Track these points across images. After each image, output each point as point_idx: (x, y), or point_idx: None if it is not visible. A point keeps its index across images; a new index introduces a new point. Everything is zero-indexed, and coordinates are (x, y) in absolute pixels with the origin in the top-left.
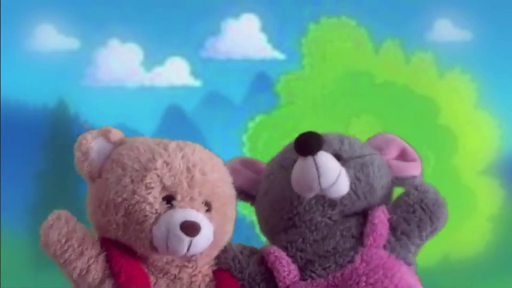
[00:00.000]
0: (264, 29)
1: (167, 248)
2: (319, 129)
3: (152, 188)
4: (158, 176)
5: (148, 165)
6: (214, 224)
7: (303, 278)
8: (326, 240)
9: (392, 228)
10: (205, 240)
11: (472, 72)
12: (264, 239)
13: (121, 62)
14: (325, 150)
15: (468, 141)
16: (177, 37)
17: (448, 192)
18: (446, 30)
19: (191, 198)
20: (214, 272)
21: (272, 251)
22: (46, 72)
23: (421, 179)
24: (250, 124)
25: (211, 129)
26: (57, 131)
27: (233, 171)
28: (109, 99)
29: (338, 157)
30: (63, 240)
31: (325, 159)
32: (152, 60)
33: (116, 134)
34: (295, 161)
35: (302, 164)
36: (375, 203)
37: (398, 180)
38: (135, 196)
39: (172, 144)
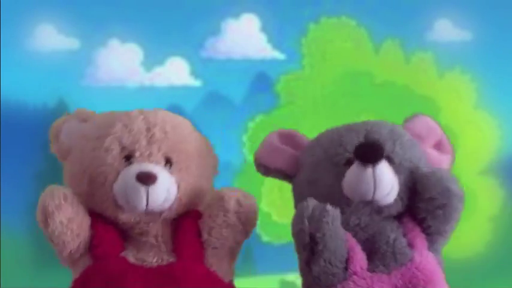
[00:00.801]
0: (264, 29)
1: (128, 203)
2: (319, 129)
3: (112, 149)
4: (117, 138)
5: (108, 130)
6: (178, 177)
7: (369, 269)
8: (376, 236)
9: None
10: (163, 189)
11: (472, 72)
12: (264, 239)
13: (121, 62)
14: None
15: (468, 141)
16: (177, 37)
17: None
18: (446, 30)
19: (149, 154)
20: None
21: (348, 234)
22: (46, 72)
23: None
24: (250, 124)
25: (211, 129)
26: None
27: (270, 149)
28: (109, 99)
29: (390, 160)
30: (65, 223)
31: (384, 171)
32: (152, 60)
33: (84, 112)
34: (348, 160)
35: (360, 173)
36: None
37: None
38: (96, 161)
39: (135, 111)
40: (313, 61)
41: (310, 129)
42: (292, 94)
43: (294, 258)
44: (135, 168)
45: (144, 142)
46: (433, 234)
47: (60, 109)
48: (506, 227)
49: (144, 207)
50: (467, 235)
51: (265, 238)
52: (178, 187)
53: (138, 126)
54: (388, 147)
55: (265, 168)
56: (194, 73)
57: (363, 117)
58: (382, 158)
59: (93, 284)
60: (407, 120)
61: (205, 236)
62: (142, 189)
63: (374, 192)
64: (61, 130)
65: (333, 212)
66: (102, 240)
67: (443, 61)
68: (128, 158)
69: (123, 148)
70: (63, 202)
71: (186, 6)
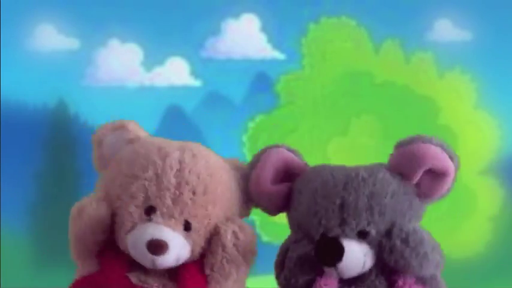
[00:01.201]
0: (264, 29)
1: (136, 258)
2: (319, 129)
3: (135, 197)
4: (145, 186)
5: (139, 174)
6: (193, 240)
7: None
8: None
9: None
10: (172, 258)
11: (472, 72)
12: (264, 239)
13: (121, 62)
14: (352, 229)
15: (468, 141)
16: (177, 37)
17: None
18: (446, 30)
19: (170, 216)
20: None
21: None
22: (46, 72)
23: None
24: (250, 124)
25: (211, 129)
26: (57, 131)
27: (260, 191)
28: (109, 99)
29: (364, 235)
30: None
31: (348, 264)
32: (152, 60)
33: (133, 131)
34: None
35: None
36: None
37: (432, 200)
38: (119, 201)
39: (174, 155)
40: (313, 61)
41: (310, 129)
42: (292, 94)
43: None
44: (150, 231)
45: (168, 201)
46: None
47: (60, 109)
48: (506, 227)
49: (150, 266)
50: (467, 235)
51: (265, 238)
52: (192, 246)
53: (168, 180)
54: (363, 221)
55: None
56: (194, 73)
57: (363, 117)
58: (343, 255)
59: None
60: (395, 152)
61: (207, 271)
62: (149, 257)
63: (342, 276)
64: (105, 139)
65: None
66: (111, 256)
67: (443, 61)
68: (149, 212)
69: (146, 199)
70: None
71: (186, 6)
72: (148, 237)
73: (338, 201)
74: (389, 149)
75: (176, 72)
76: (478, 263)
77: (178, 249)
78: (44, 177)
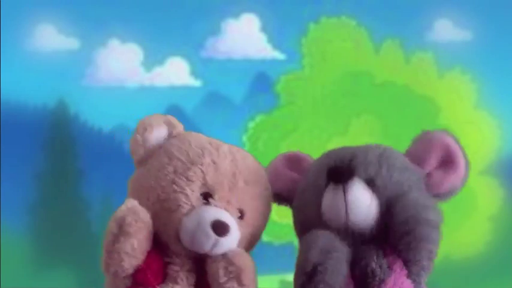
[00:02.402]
0: (264, 29)
1: (192, 242)
2: (319, 129)
3: (193, 181)
4: (202, 172)
5: (196, 159)
6: (243, 231)
7: None
8: (357, 263)
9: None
10: (230, 242)
11: (472, 72)
12: (264, 239)
13: (121, 62)
14: (359, 175)
15: (468, 141)
16: (177, 37)
17: None
18: (446, 30)
19: (228, 202)
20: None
21: None
22: (46, 72)
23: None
24: (250, 124)
25: (211, 129)
26: (57, 131)
27: (273, 174)
28: (109, 99)
29: (372, 183)
30: (134, 248)
31: (356, 193)
32: (152, 60)
33: (177, 128)
34: (326, 185)
35: (332, 195)
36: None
37: (439, 196)
38: (174, 186)
39: (224, 147)
40: (313, 61)
41: (310, 129)
42: (292, 94)
43: (294, 258)
44: (213, 213)
45: (226, 187)
46: (406, 263)
47: (60, 109)
48: (506, 227)
49: (209, 250)
50: (467, 235)
51: (265, 238)
52: (241, 237)
53: (225, 167)
54: (370, 170)
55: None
56: (194, 73)
57: (363, 117)
58: (353, 178)
59: None
60: (411, 143)
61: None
62: (213, 237)
63: (347, 217)
64: (152, 137)
65: (341, 248)
66: (149, 269)
67: (443, 61)
68: (206, 197)
69: (204, 184)
70: (142, 225)
71: (186, 6)
72: (212, 218)
73: (348, 157)
74: None
75: (176, 72)
76: (478, 263)
77: (236, 234)
78: (44, 177)
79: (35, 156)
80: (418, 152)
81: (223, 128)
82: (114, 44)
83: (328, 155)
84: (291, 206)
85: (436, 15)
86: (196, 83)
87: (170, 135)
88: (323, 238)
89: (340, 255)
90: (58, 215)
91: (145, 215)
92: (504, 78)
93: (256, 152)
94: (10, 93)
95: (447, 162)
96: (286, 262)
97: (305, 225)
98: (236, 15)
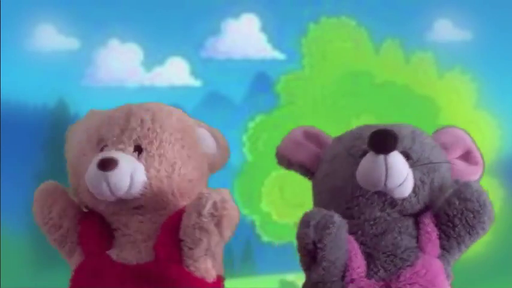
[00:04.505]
0: (264, 29)
1: (94, 192)
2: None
3: (91, 141)
4: (97, 129)
5: (93, 122)
6: (147, 164)
7: (367, 276)
8: (385, 235)
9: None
10: (124, 174)
11: (472, 72)
12: (264, 239)
13: (121, 62)
14: (396, 148)
15: None
16: (177, 37)
17: None
18: (446, 30)
19: (119, 141)
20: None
21: (351, 240)
22: (46, 72)
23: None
24: (250, 124)
25: None
26: (57, 131)
27: (294, 144)
28: (109, 99)
29: (407, 156)
30: (46, 213)
31: (396, 160)
32: (152, 60)
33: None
34: (364, 152)
35: (372, 161)
36: (431, 207)
37: (455, 183)
38: (79, 152)
39: (130, 105)
40: (313, 61)
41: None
42: (292, 94)
43: (294, 258)
44: (99, 157)
45: (117, 131)
46: (450, 238)
47: (60, 109)
48: (506, 227)
49: (109, 193)
50: None
51: (265, 238)
52: (148, 174)
53: (117, 116)
54: (406, 143)
55: (288, 162)
56: (194, 73)
57: (363, 117)
58: (395, 148)
59: (79, 280)
60: (435, 132)
61: (181, 234)
62: (101, 175)
63: (386, 180)
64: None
65: (339, 223)
66: (87, 237)
67: (443, 61)
68: (103, 148)
69: (100, 139)
70: (39, 194)
71: (186, 6)
72: (98, 158)
73: (387, 128)
74: None
75: (176, 72)
76: (478, 263)
77: (130, 166)
78: (44, 177)
79: (35, 156)
80: (443, 140)
81: (223, 128)
82: (114, 44)
83: (360, 128)
84: (312, 178)
85: (436, 15)
86: (196, 83)
87: None
88: (319, 215)
89: (338, 229)
90: None
91: (50, 188)
92: (504, 78)
93: (256, 152)
94: (10, 93)
95: (469, 155)
96: (286, 262)
97: (334, 193)
98: (236, 15)
